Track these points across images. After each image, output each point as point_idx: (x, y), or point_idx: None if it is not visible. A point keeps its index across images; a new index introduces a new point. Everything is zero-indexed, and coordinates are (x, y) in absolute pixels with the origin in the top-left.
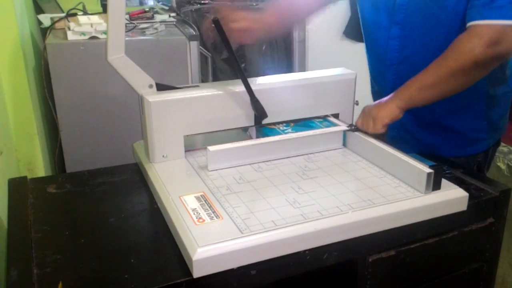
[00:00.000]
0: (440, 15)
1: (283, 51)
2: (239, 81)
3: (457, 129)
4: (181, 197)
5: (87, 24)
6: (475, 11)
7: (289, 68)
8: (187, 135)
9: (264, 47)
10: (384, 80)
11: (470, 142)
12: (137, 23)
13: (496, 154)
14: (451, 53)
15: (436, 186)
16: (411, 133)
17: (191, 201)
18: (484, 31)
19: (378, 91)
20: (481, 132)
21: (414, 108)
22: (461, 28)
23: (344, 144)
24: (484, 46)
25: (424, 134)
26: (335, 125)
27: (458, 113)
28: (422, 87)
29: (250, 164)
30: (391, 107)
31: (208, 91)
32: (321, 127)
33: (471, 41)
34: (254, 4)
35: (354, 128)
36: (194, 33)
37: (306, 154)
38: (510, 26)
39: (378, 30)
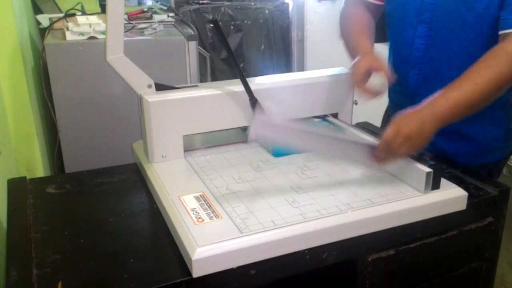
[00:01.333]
0: (467, 17)
1: (282, 51)
2: (238, 81)
3: (473, 136)
4: (180, 197)
5: (86, 24)
6: None
7: (288, 68)
8: (186, 135)
9: (262, 47)
10: (406, 80)
11: (485, 151)
12: (136, 23)
13: None
14: (498, 64)
15: (435, 185)
16: None
17: (190, 201)
18: None
19: (397, 103)
20: (497, 141)
21: None
22: (488, 32)
23: None
24: None
25: (439, 140)
26: (334, 124)
27: (476, 119)
28: (464, 103)
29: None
30: (432, 130)
31: (207, 91)
32: (321, 127)
33: None
34: (253, 4)
35: None
36: (193, 33)
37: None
38: None
39: (404, 27)
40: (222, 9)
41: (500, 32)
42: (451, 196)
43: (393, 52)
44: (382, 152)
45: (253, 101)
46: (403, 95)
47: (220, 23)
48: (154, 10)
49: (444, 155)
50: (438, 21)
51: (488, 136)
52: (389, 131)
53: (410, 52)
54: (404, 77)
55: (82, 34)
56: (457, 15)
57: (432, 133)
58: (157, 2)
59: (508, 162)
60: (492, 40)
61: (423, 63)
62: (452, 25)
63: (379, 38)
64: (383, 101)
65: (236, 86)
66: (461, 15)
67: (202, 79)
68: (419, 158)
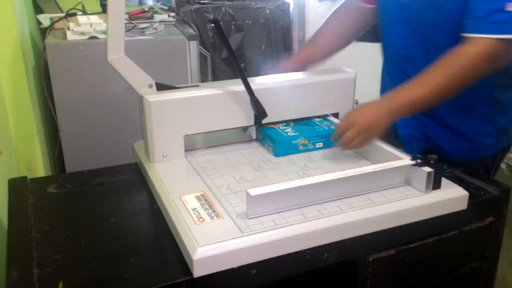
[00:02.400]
0: (437, 19)
1: (283, 51)
2: (239, 80)
3: (463, 132)
4: (181, 197)
5: (87, 24)
6: (474, 24)
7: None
8: (187, 135)
9: (263, 47)
10: (391, 79)
11: (478, 147)
12: (137, 23)
13: None
14: (452, 66)
15: (436, 185)
16: (423, 131)
17: (191, 201)
18: (484, 47)
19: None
20: (488, 136)
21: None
22: (457, 33)
23: None
24: (484, 62)
25: (435, 133)
26: (336, 124)
27: (463, 115)
28: (416, 100)
29: (297, 208)
30: (387, 123)
31: (207, 91)
32: (322, 127)
33: (471, 56)
34: (254, 3)
35: (420, 163)
36: (194, 32)
37: (365, 193)
38: (507, 41)
39: (388, 26)
40: (223, 9)
41: (462, 35)
42: (452, 196)
43: (383, 53)
44: (336, 139)
45: (254, 101)
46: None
47: (221, 23)
48: (155, 10)
49: (439, 150)
50: (416, 21)
51: (479, 132)
52: (343, 121)
53: (393, 51)
54: (390, 76)
55: (83, 34)
56: (429, 17)
57: (387, 125)
58: (158, 2)
59: (509, 162)
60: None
61: (404, 62)
62: (426, 26)
63: (373, 38)
64: None
65: (237, 86)
66: (432, 17)
67: (203, 79)
68: (421, 158)
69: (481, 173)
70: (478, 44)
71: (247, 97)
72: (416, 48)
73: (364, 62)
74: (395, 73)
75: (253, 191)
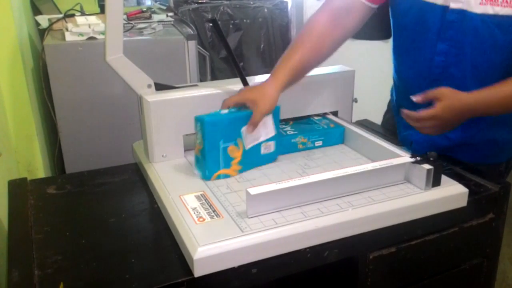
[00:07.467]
0: (500, 40)
1: (282, 50)
2: (238, 80)
3: (495, 138)
4: (181, 197)
5: (85, 24)
6: None
7: None
8: (186, 135)
9: (262, 46)
10: (416, 91)
11: (495, 151)
12: (135, 23)
13: None
14: None
15: (436, 182)
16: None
17: (191, 200)
18: None
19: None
20: (509, 142)
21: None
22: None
23: (343, 142)
24: None
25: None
26: (335, 122)
27: (499, 124)
28: (492, 106)
29: (297, 206)
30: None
31: (206, 90)
32: (321, 125)
33: None
34: (252, 2)
35: (419, 160)
36: (192, 32)
37: (364, 191)
38: None
39: (422, 43)
40: (221, 8)
41: None
42: (452, 193)
43: (406, 65)
44: (413, 120)
45: None
46: (416, 105)
47: (219, 22)
48: (153, 10)
49: (455, 153)
50: (461, 39)
51: (504, 137)
52: (429, 113)
53: (429, 69)
54: (420, 91)
55: (81, 34)
56: (488, 37)
57: (463, 120)
58: (156, 2)
59: None
60: None
61: (442, 79)
62: (480, 45)
63: (379, 35)
64: (383, 99)
65: (235, 85)
66: (494, 37)
67: (202, 78)
68: (420, 156)
69: (480, 171)
70: None
71: None
72: (460, 66)
73: (363, 60)
74: (425, 88)
75: (253, 190)
